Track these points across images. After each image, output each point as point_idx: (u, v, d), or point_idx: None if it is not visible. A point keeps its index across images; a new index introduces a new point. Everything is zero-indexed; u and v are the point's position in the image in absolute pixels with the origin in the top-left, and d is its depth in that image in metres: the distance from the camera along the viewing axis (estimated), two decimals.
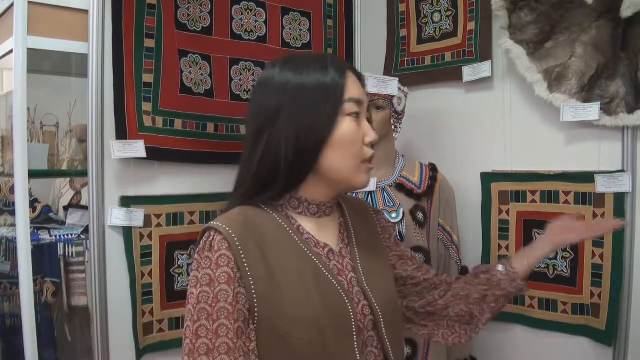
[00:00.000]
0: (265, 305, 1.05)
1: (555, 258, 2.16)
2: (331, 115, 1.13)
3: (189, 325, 1.03)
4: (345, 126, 1.14)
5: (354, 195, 1.90)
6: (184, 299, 1.10)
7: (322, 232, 1.22)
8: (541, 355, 2.25)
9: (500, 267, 1.40)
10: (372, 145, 1.22)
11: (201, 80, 2.21)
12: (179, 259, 2.15)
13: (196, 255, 1.09)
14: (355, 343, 1.11)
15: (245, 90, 2.33)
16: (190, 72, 2.17)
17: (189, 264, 2.16)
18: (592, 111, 2.00)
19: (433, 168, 2.24)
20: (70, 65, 2.20)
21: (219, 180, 2.18)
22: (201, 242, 1.10)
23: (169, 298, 2.12)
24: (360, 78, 1.23)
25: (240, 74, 2.31)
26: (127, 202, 2.03)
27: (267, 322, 1.06)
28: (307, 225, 1.20)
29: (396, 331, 1.24)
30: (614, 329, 2.01)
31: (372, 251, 1.30)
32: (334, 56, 1.26)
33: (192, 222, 2.19)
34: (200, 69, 2.20)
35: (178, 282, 2.15)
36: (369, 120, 1.26)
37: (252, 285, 1.05)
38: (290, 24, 2.47)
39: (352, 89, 1.16)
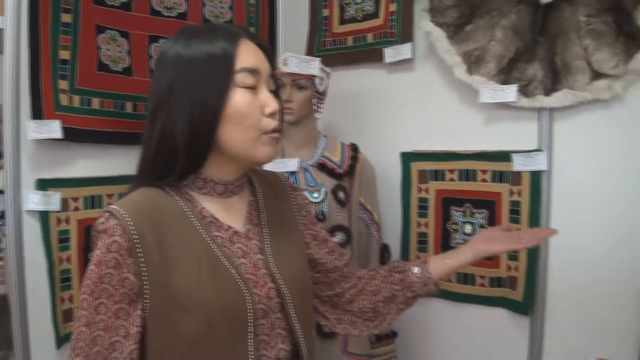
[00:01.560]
0: (157, 293, 1.03)
1: (473, 234, 2.24)
2: (222, 89, 1.08)
3: (87, 299, 1.02)
4: (238, 98, 1.09)
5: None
6: None
7: (229, 213, 1.19)
8: (461, 326, 2.35)
9: (415, 269, 1.37)
10: (281, 116, 1.18)
11: (119, 58, 2.13)
12: None
13: (93, 232, 1.06)
14: (250, 330, 1.09)
15: None
16: (108, 49, 2.09)
17: None
18: (509, 93, 2.07)
19: (354, 148, 2.26)
20: None
21: None
22: (99, 223, 1.05)
23: None
24: (262, 46, 1.18)
25: None
26: (43, 185, 1.94)
27: (158, 311, 1.03)
28: (212, 206, 1.16)
29: (305, 312, 1.23)
30: (530, 299, 2.12)
31: (284, 230, 1.27)
32: (227, 25, 1.17)
33: None
34: (118, 45, 2.12)
35: None
36: (276, 91, 1.19)
37: (144, 272, 1.02)
38: (212, 1, 2.41)
39: (244, 58, 1.10)
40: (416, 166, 2.40)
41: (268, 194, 1.30)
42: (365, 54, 2.53)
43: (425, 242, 2.38)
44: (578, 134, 2.04)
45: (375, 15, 2.51)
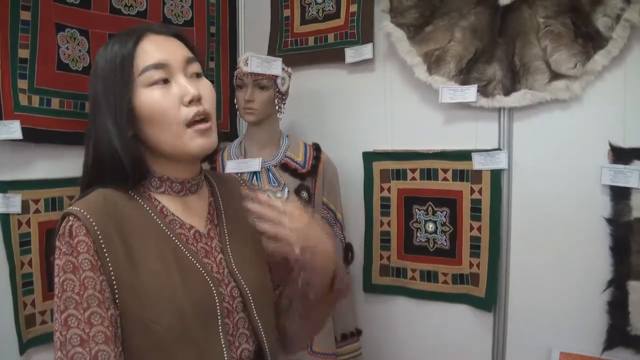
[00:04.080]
0: (126, 292, 1.01)
1: (436, 232, 2.28)
2: (126, 93, 1.04)
3: (57, 318, 0.97)
4: (146, 98, 1.05)
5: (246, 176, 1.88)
6: None
7: (189, 212, 1.17)
8: (425, 323, 2.38)
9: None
10: (205, 102, 1.11)
11: (79, 57, 2.09)
12: None
13: (57, 242, 1.01)
14: (220, 327, 1.08)
15: None
16: (67, 48, 2.05)
17: None
18: (469, 93, 2.12)
19: (317, 148, 2.26)
20: None
21: None
22: (60, 227, 1.02)
23: (50, 288, 1.99)
24: (174, 34, 1.14)
25: None
26: (3, 187, 1.90)
27: (129, 310, 1.01)
28: (172, 205, 1.14)
29: (267, 312, 1.22)
30: (493, 295, 2.17)
31: (242, 229, 1.24)
32: (134, 27, 1.14)
33: None
34: (78, 44, 2.09)
35: None
36: (198, 74, 1.13)
37: (111, 273, 1.00)
38: None
39: (145, 56, 1.07)
40: (378, 166, 2.42)
41: (227, 195, 1.29)
42: (327, 54, 2.55)
43: (388, 241, 2.41)
44: (537, 133, 2.09)
45: (336, 15, 2.52)
